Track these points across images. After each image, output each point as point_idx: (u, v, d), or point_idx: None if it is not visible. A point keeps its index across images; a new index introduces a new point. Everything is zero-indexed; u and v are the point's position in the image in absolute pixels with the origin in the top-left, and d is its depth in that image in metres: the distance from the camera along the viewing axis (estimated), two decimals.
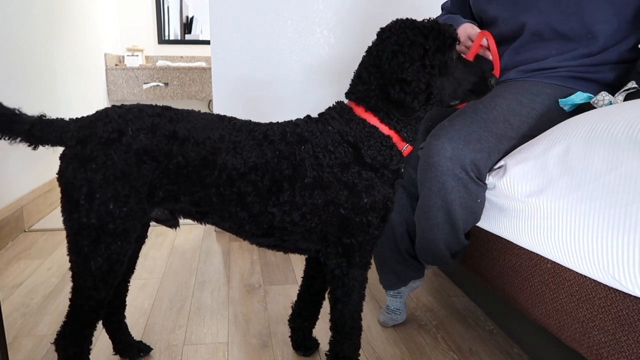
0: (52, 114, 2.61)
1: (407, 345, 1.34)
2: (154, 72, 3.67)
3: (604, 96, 1.08)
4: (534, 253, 1.03)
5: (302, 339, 1.26)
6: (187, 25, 4.12)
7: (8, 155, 2.09)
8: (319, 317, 1.26)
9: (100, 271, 0.92)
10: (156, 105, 0.96)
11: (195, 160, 0.91)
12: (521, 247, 1.07)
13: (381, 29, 0.95)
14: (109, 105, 0.98)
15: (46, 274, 1.75)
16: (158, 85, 3.70)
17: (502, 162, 1.08)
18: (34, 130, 0.93)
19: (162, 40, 4.08)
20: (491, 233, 1.17)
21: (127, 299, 1.20)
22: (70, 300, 0.96)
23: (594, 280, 0.88)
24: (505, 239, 1.13)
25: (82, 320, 0.96)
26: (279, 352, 1.30)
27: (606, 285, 0.85)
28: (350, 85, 0.99)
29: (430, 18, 0.94)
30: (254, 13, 2.16)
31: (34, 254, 1.93)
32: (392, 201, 0.99)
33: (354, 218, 0.95)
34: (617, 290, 0.83)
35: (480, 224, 1.18)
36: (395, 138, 0.96)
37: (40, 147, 0.99)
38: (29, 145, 0.94)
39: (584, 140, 0.89)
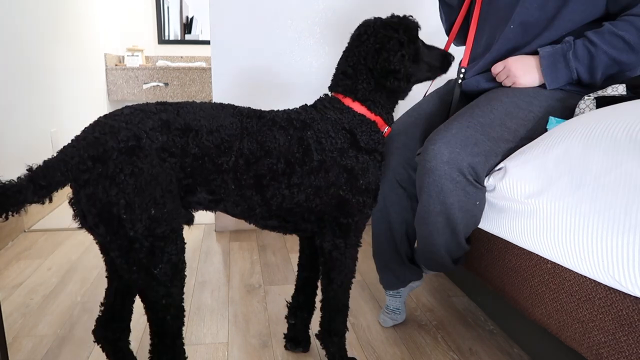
0: (52, 114, 2.59)
1: (407, 345, 1.34)
2: (154, 72, 3.67)
3: (586, 102, 1.09)
4: (534, 253, 1.03)
5: (301, 333, 1.28)
6: (187, 26, 4.12)
7: (8, 155, 2.09)
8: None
9: (167, 276, 0.90)
10: (149, 103, 0.95)
11: (210, 149, 0.92)
12: (521, 248, 1.08)
13: (357, 33, 1.07)
14: (109, 105, 0.98)
15: (46, 274, 1.75)
16: (158, 85, 3.70)
17: (502, 164, 1.08)
18: (38, 183, 0.80)
19: (162, 40, 4.08)
20: (491, 234, 1.17)
21: None
22: (149, 318, 0.94)
23: (594, 281, 0.88)
24: (505, 240, 1.13)
25: (170, 332, 0.94)
26: (279, 352, 1.30)
27: (606, 286, 0.85)
28: (334, 80, 1.09)
29: (393, 14, 1.08)
30: (254, 13, 2.16)
31: (34, 254, 1.93)
32: (379, 181, 1.10)
33: (351, 199, 1.03)
34: (617, 290, 0.83)
35: (480, 225, 1.18)
36: (380, 123, 1.08)
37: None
38: (43, 203, 0.83)
39: (583, 141, 0.89)
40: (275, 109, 1.06)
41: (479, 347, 1.34)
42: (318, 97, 1.10)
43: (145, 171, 0.85)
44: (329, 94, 1.10)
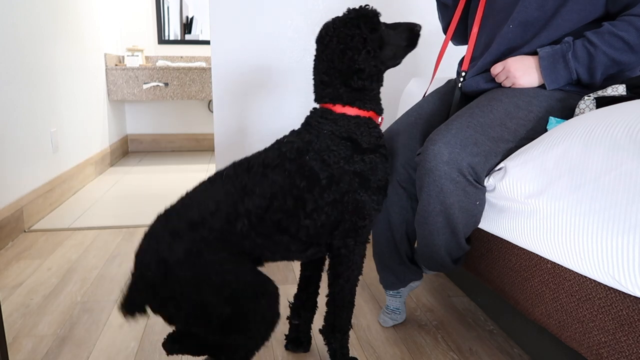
0: (52, 114, 2.60)
1: (407, 345, 1.34)
2: (154, 72, 3.67)
3: (586, 102, 1.09)
4: (534, 253, 1.03)
5: (303, 334, 1.28)
6: (187, 25, 4.12)
7: (8, 155, 2.09)
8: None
9: (260, 333, 0.97)
10: (155, 222, 0.99)
11: (222, 226, 0.95)
12: (521, 248, 1.08)
13: (319, 37, 1.07)
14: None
15: (46, 274, 1.75)
16: (158, 85, 3.70)
17: (502, 164, 1.08)
18: None
19: (162, 40, 4.08)
20: (491, 234, 1.17)
21: None
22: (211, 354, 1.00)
23: (594, 280, 0.88)
24: (505, 240, 1.13)
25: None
26: (279, 352, 1.30)
27: (606, 285, 0.85)
28: (316, 92, 1.10)
29: (349, 9, 1.06)
30: (254, 13, 2.16)
31: (34, 254, 1.93)
32: (389, 173, 1.11)
33: (367, 199, 1.04)
34: (617, 290, 0.83)
35: (480, 225, 1.18)
36: (374, 117, 1.09)
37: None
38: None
39: (583, 140, 0.89)
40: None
41: (479, 347, 1.34)
42: (308, 113, 1.10)
43: (187, 280, 0.92)
44: (317, 106, 1.10)
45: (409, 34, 1.10)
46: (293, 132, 1.08)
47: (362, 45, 1.02)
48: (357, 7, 1.06)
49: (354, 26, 1.02)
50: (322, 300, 1.24)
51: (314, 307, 1.26)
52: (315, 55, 1.08)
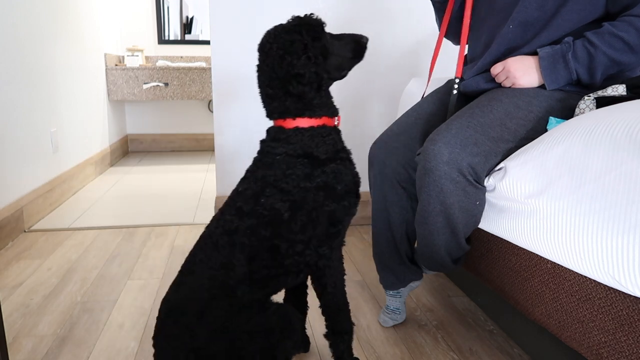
0: (52, 114, 2.61)
1: (407, 345, 1.34)
2: (154, 72, 3.68)
3: (586, 102, 1.09)
4: (534, 253, 1.03)
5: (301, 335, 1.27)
6: (187, 26, 4.12)
7: (8, 155, 2.09)
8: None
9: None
10: (160, 318, 0.99)
11: (227, 301, 0.96)
12: (521, 248, 1.08)
13: (260, 45, 1.03)
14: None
15: (46, 274, 1.75)
16: (158, 85, 3.70)
17: (502, 164, 1.08)
18: None
19: (162, 40, 4.08)
20: (491, 234, 1.17)
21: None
22: None
23: (594, 280, 0.88)
24: (505, 240, 1.13)
25: None
26: None
27: (606, 285, 0.85)
28: (265, 107, 1.06)
29: (293, 16, 1.03)
30: (254, 13, 2.16)
31: (34, 254, 1.94)
32: (358, 175, 1.08)
33: (337, 207, 1.02)
34: (617, 290, 0.83)
35: (480, 225, 1.18)
36: (327, 122, 1.05)
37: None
38: None
39: (584, 140, 0.89)
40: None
41: (479, 347, 1.34)
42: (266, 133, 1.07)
43: (221, 350, 0.93)
44: (271, 123, 1.08)
45: (354, 46, 1.06)
46: (247, 171, 1.05)
47: (302, 50, 0.98)
48: (301, 15, 1.03)
49: (295, 32, 0.99)
50: (317, 302, 1.24)
51: (304, 307, 1.25)
52: (257, 66, 1.04)
